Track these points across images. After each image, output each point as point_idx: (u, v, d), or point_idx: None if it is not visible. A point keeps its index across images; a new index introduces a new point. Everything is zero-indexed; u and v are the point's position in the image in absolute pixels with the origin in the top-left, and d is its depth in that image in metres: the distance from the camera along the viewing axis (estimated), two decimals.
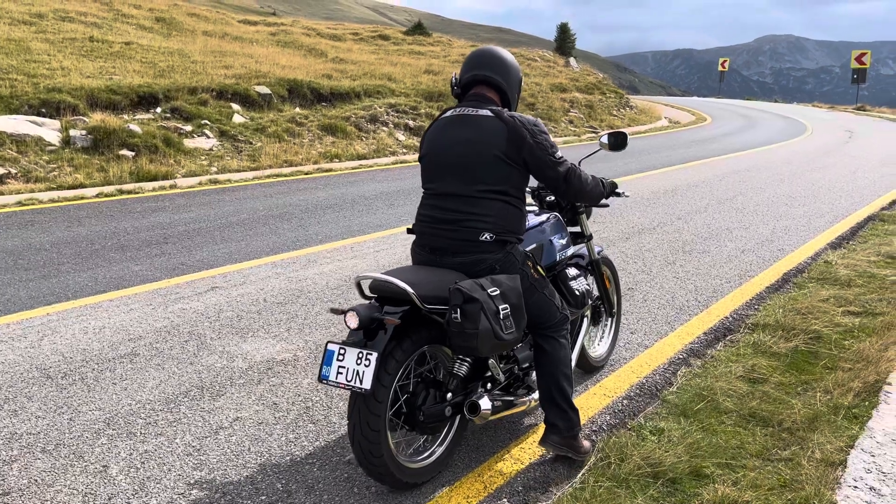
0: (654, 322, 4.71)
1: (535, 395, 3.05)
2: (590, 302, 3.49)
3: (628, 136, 3.67)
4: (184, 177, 10.62)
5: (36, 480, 2.80)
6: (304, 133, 14.02)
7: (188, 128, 12.46)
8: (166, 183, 10.08)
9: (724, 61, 56.73)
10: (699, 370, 3.93)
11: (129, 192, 9.38)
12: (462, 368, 2.80)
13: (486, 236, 2.80)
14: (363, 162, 13.23)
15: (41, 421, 3.28)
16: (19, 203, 8.41)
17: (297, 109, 15.26)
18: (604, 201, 3.37)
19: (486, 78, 2.97)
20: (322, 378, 2.59)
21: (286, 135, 13.56)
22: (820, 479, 2.73)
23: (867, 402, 3.40)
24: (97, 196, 9.06)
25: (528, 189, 3.41)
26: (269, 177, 11.11)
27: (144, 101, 12.86)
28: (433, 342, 2.74)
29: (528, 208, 3.19)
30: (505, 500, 2.73)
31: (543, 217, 3.42)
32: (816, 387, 3.64)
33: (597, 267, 3.77)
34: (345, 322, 2.54)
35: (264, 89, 15.03)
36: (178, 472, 2.87)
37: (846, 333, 4.40)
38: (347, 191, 9.91)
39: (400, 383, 2.68)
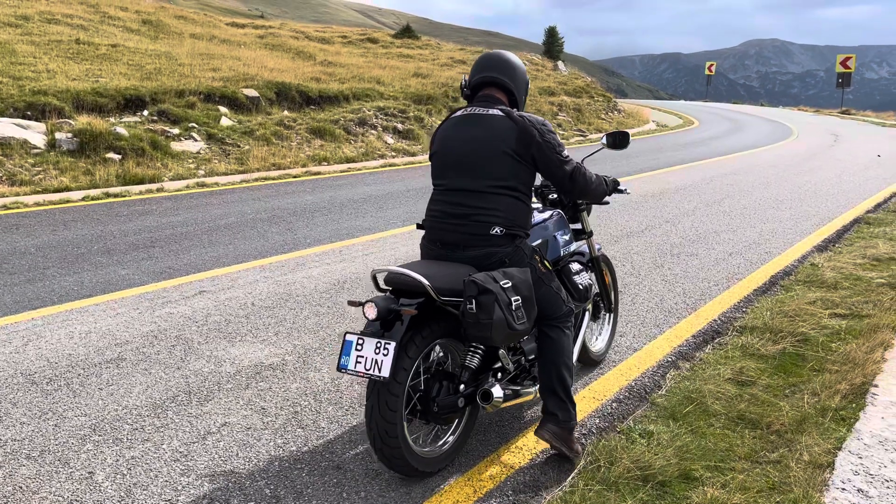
0: (642, 325, 4.72)
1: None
2: (592, 296, 3.59)
3: (630, 136, 3.82)
4: (171, 180, 10.56)
5: (21, 487, 2.77)
6: (292, 136, 13.98)
7: (175, 131, 12.40)
8: (153, 186, 10.01)
9: (711, 65, 57.11)
10: (688, 373, 3.94)
11: (116, 196, 9.31)
12: (473, 360, 2.91)
13: (497, 230, 2.91)
14: (352, 165, 13.21)
15: (26, 427, 3.24)
16: (4, 207, 8.33)
17: (286, 112, 15.22)
18: (606, 199, 3.47)
19: (495, 80, 3.10)
20: (341, 367, 2.68)
21: (274, 138, 13.52)
22: (808, 482, 2.74)
23: (854, 404, 3.42)
24: (83, 199, 8.99)
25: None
26: (256, 180, 11.07)
27: (131, 103, 12.79)
28: (445, 336, 2.84)
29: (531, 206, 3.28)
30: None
31: (547, 214, 3.53)
32: (804, 389, 3.66)
33: (597, 263, 3.88)
34: (363, 313, 2.64)
35: (252, 92, 14.98)
36: (165, 479, 2.84)
37: (833, 336, 4.43)
38: (336, 194, 9.89)
39: (412, 382, 2.77)
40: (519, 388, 3.11)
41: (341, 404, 3.50)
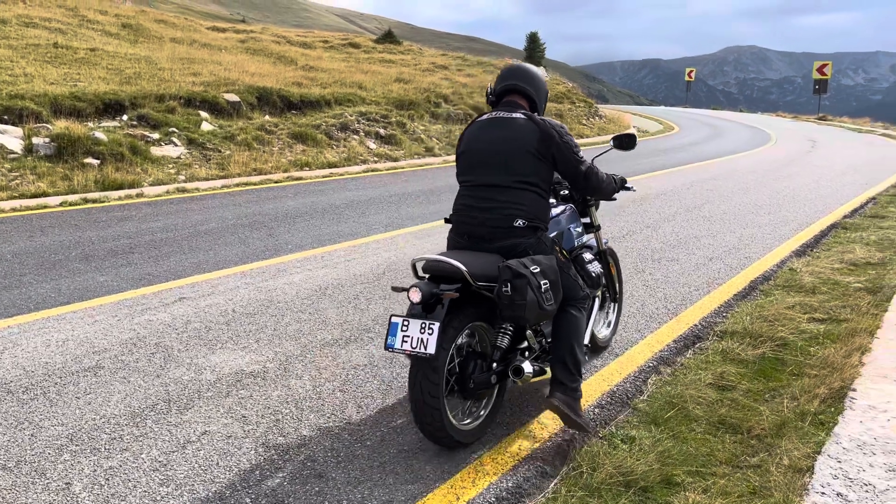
0: (624, 330, 4.74)
1: None
2: (602, 284, 3.85)
3: (637, 138, 4.08)
4: (151, 185, 10.47)
5: None
6: (273, 141, 13.92)
7: (155, 136, 12.30)
8: (133, 191, 9.92)
9: (691, 71, 57.66)
10: (669, 378, 3.96)
11: (95, 201, 9.21)
12: (504, 341, 3.22)
13: (520, 222, 3.20)
14: (334, 170, 13.17)
15: (1, 437, 3.18)
16: None
17: (267, 117, 15.15)
18: (614, 196, 3.79)
19: (518, 88, 3.43)
20: (388, 347, 2.94)
21: (255, 143, 13.45)
22: (788, 486, 2.76)
23: (833, 409, 3.45)
24: (61, 205, 8.88)
25: None
26: (237, 185, 11.00)
27: (110, 108, 12.67)
28: (477, 319, 3.12)
29: None
30: None
31: (560, 208, 3.79)
32: (783, 393, 3.69)
33: (604, 255, 4.18)
34: (408, 297, 2.91)
35: (233, 97, 14.90)
36: (143, 489, 2.80)
37: (811, 340, 4.47)
38: (318, 199, 9.85)
39: (449, 365, 3.01)
40: (543, 366, 3.36)
41: (323, 412, 3.48)
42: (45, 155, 10.46)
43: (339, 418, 3.42)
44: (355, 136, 15.72)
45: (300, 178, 12.02)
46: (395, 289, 3.08)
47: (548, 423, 3.40)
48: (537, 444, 3.21)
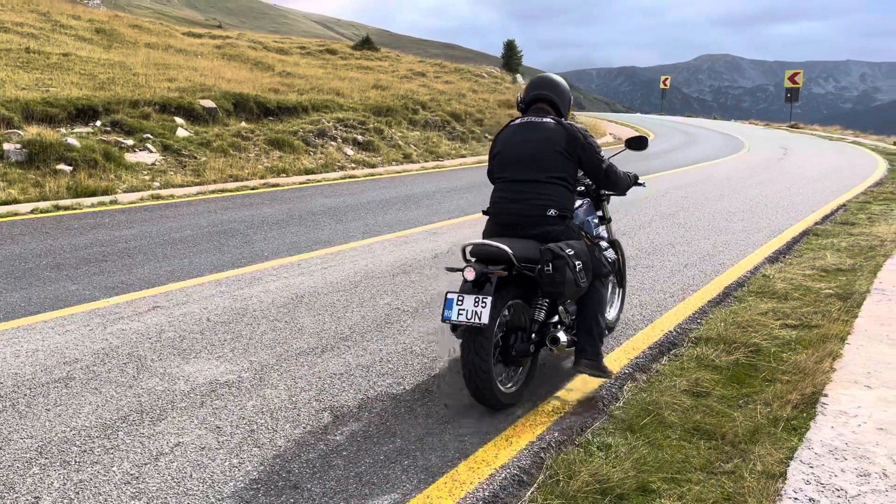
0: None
1: None
2: (616, 269, 4.35)
3: (648, 140, 4.61)
4: (125, 192, 10.35)
5: None
6: (250, 147, 13.83)
7: (130, 142, 12.16)
8: (106, 198, 9.80)
9: (666, 79, 58.35)
10: (645, 385, 3.99)
11: (67, 208, 9.08)
12: (541, 314, 3.71)
13: (552, 212, 3.67)
14: (311, 177, 13.12)
15: None
16: None
17: (243, 124, 15.05)
18: (627, 192, 4.31)
19: (545, 97, 3.97)
20: (445, 319, 3.35)
21: (232, 149, 13.36)
22: (761, 492, 2.79)
23: (805, 414, 3.50)
24: (32, 212, 8.74)
25: None
26: (213, 192, 10.91)
27: (83, 114, 12.51)
28: (517, 298, 3.56)
29: None
30: None
31: (580, 202, 4.24)
32: (757, 399, 3.73)
33: (614, 245, 4.63)
34: (463, 275, 3.36)
35: (209, 103, 14.79)
36: (115, 502, 2.76)
37: (784, 346, 4.53)
38: (294, 206, 9.80)
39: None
40: (573, 337, 3.81)
41: (298, 422, 3.45)
42: (15, 161, 10.29)
43: (314, 428, 3.40)
44: (333, 143, 15.67)
45: (277, 185, 11.95)
46: (449, 269, 3.67)
47: (521, 434, 3.41)
48: (513, 454, 3.21)
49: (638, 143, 4.50)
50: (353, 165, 14.87)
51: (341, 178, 13.27)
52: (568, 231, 3.71)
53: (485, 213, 3.94)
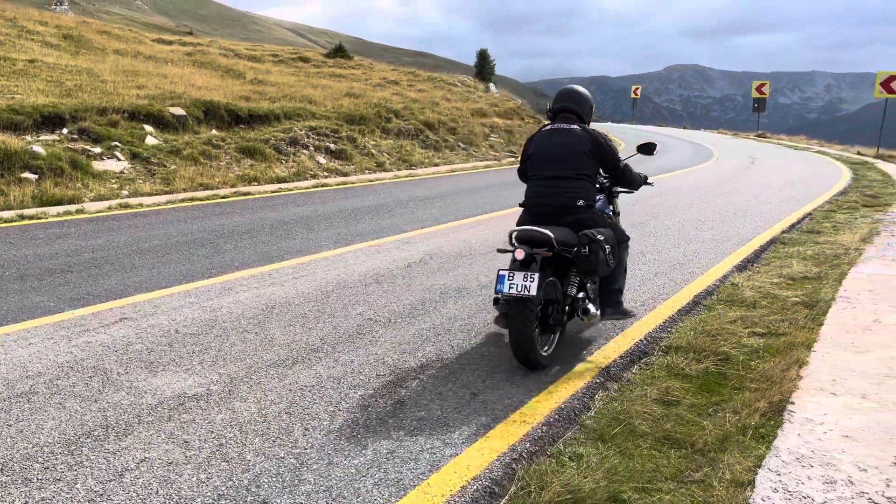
0: (571, 346, 4.78)
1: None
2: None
3: (657, 146, 5.37)
4: (92, 201, 10.18)
5: None
6: (220, 156, 13.70)
7: (97, 150, 11.97)
8: (72, 207, 9.62)
9: (637, 88, 59.02)
10: (616, 394, 4.01)
11: (31, 218, 8.90)
12: (573, 290, 4.54)
13: (581, 202, 4.43)
14: (283, 185, 13.02)
15: None
16: None
17: (214, 132, 14.91)
18: (638, 189, 5.04)
19: (570, 108, 4.73)
20: (498, 292, 4.04)
21: (202, 157, 13.21)
22: (730, 501, 2.81)
23: (773, 422, 3.54)
24: None
25: None
26: (183, 201, 10.78)
27: (49, 121, 12.28)
28: (553, 276, 4.30)
29: None
30: None
31: (599, 197, 4.85)
32: (726, 408, 3.77)
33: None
34: (514, 256, 4.07)
35: (179, 111, 14.62)
36: None
37: (752, 354, 4.58)
38: (266, 215, 9.71)
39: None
40: (597, 310, 4.64)
41: (268, 435, 3.41)
42: None
43: (284, 442, 3.35)
44: (305, 151, 15.59)
45: (248, 194, 11.85)
46: (500, 250, 4.59)
47: (492, 445, 3.40)
48: (485, 465, 3.20)
49: (647, 149, 5.29)
50: (325, 174, 14.80)
51: (313, 187, 13.20)
52: (594, 217, 4.46)
53: (521, 205, 4.68)
